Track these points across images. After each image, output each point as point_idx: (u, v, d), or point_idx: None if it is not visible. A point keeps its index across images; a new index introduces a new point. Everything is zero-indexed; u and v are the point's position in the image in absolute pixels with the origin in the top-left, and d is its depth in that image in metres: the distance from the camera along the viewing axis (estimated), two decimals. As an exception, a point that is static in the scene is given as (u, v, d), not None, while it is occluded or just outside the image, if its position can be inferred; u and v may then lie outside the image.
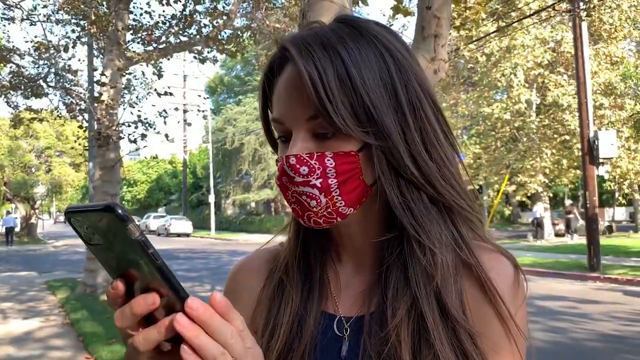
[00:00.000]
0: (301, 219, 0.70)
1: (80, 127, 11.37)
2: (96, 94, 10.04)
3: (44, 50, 11.04)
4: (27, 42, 11.03)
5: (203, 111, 15.79)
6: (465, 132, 27.75)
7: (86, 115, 11.05)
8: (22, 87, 11.66)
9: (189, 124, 19.98)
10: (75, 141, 12.39)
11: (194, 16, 10.41)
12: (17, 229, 33.84)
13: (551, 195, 26.06)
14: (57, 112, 12.00)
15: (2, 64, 12.13)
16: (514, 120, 21.83)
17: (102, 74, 10.16)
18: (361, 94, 0.64)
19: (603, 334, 6.87)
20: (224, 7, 10.83)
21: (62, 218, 69.41)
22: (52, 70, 11.50)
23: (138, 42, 10.99)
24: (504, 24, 13.88)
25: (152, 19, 10.85)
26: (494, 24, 14.04)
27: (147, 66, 11.41)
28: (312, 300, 0.75)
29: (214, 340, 0.50)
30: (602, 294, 10.05)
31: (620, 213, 36.23)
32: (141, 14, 15.03)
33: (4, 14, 11.41)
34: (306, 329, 0.72)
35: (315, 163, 0.66)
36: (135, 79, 11.91)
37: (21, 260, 19.18)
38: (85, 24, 10.17)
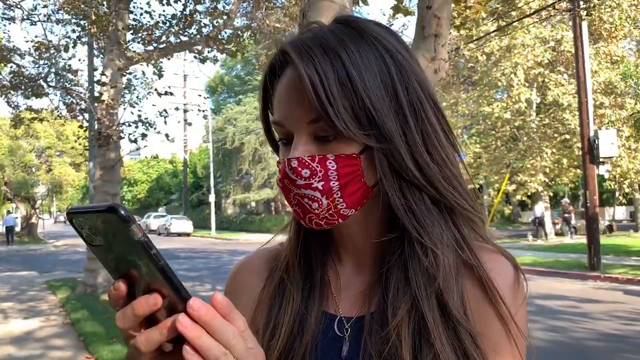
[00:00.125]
0: (303, 221, 0.70)
1: (81, 126, 11.37)
2: (96, 94, 10.04)
3: (44, 50, 11.04)
4: (27, 42, 11.04)
5: (203, 111, 15.81)
6: (466, 131, 27.74)
7: (86, 115, 11.05)
8: (23, 87, 11.67)
9: (190, 124, 19.95)
10: (76, 141, 12.39)
11: (194, 16, 10.41)
12: (18, 229, 33.87)
13: (551, 194, 26.05)
14: (58, 111, 12.01)
15: (2, 64, 12.13)
16: (514, 119, 21.83)
17: (103, 73, 10.16)
18: (362, 97, 0.64)
19: (603, 333, 6.87)
20: (224, 6, 10.84)
21: (62, 218, 69.43)
22: (53, 70, 11.50)
23: (138, 42, 11.00)
24: (504, 23, 13.89)
25: (152, 18, 10.85)
26: (494, 23, 14.04)
27: (148, 66, 11.41)
28: (312, 299, 0.75)
29: (216, 340, 0.50)
30: (602, 293, 10.05)
31: (621, 212, 36.21)
32: (141, 14, 15.03)
33: (4, 13, 11.43)
34: (307, 329, 0.72)
35: (317, 166, 0.66)
36: (136, 79, 11.94)
37: (21, 260, 19.19)
38: (86, 24, 10.18)
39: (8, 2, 11.15)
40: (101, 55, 11.35)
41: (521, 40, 19.51)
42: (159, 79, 11.36)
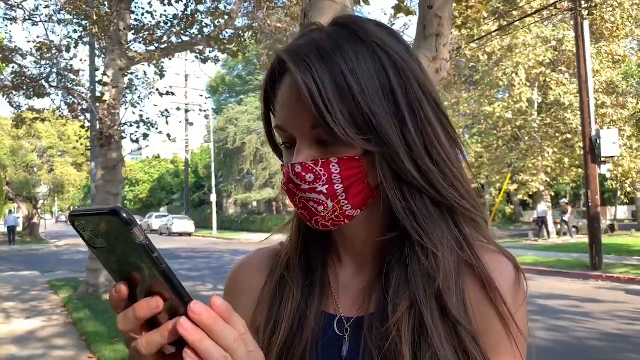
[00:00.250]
0: (309, 223, 0.71)
1: (83, 127, 11.39)
2: (98, 94, 10.05)
3: (46, 50, 11.06)
4: (29, 42, 11.06)
5: (205, 111, 15.84)
6: (467, 131, 27.72)
7: (88, 115, 11.06)
8: (25, 87, 11.68)
9: (191, 124, 19.98)
10: (78, 141, 12.40)
11: (196, 16, 10.42)
12: (20, 229, 33.91)
13: (553, 194, 26.02)
14: (59, 112, 12.03)
15: (4, 64, 12.16)
16: (516, 119, 21.81)
17: (104, 73, 10.16)
18: (359, 102, 0.64)
19: (605, 333, 6.86)
20: (225, 6, 10.84)
21: (64, 218, 69.47)
22: (54, 70, 11.52)
23: (140, 42, 11.02)
24: (505, 22, 13.87)
25: (153, 18, 10.86)
26: (495, 22, 14.03)
27: (149, 66, 11.43)
28: (312, 297, 0.75)
29: (217, 344, 0.51)
30: (604, 292, 10.03)
31: (622, 212, 36.18)
32: (143, 14, 15.08)
33: (6, 14, 11.49)
34: (307, 326, 0.73)
35: (320, 170, 0.67)
36: (137, 79, 11.96)
37: (24, 260, 19.21)
38: (87, 24, 10.19)
39: (10, 3, 11.17)
40: (103, 56, 11.35)
41: (523, 40, 19.50)
42: (161, 79, 11.38)
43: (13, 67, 11.81)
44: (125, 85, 10.92)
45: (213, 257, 19.38)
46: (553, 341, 6.48)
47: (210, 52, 11.38)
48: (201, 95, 28.52)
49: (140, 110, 11.40)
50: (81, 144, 11.75)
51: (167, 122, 14.44)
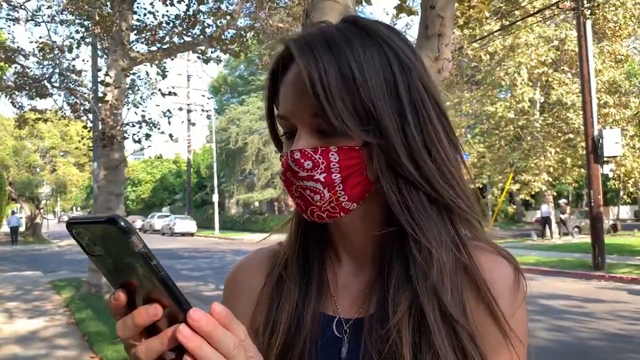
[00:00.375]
0: (305, 214, 0.71)
1: (85, 127, 11.40)
2: (100, 94, 10.06)
3: (48, 50, 11.07)
4: (31, 42, 11.09)
5: (207, 111, 15.83)
6: (469, 130, 27.69)
7: (90, 116, 11.08)
8: (27, 88, 11.70)
9: (193, 124, 20.03)
10: (80, 141, 12.42)
11: (198, 16, 10.42)
12: (22, 229, 33.96)
13: (555, 194, 25.98)
14: (62, 112, 12.05)
15: (7, 65, 12.18)
16: (518, 118, 21.78)
17: (106, 74, 10.17)
18: (362, 93, 0.65)
19: (607, 333, 6.85)
20: (227, 7, 10.85)
21: (66, 218, 69.39)
22: (57, 70, 11.53)
23: (142, 43, 11.02)
24: (507, 22, 13.84)
25: (155, 19, 10.87)
26: (497, 22, 14.01)
27: (151, 66, 11.44)
28: (310, 297, 0.75)
29: (217, 351, 0.51)
30: (606, 292, 10.02)
31: (625, 212, 36.14)
32: (145, 15, 15.02)
33: (8, 14, 11.48)
34: (304, 327, 0.73)
35: (319, 158, 0.67)
36: (140, 79, 11.97)
37: (26, 260, 19.25)
38: (89, 25, 10.20)
39: (12, 3, 11.19)
40: (105, 56, 11.37)
41: (525, 40, 19.46)
42: (163, 79, 11.40)
43: (16, 68, 11.83)
44: (127, 86, 10.93)
45: (215, 257, 19.40)
46: (555, 341, 6.47)
47: (212, 52, 11.39)
48: (203, 96, 28.59)
49: (143, 111, 11.45)
50: (83, 144, 11.76)
51: (169, 123, 14.47)
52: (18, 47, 11.72)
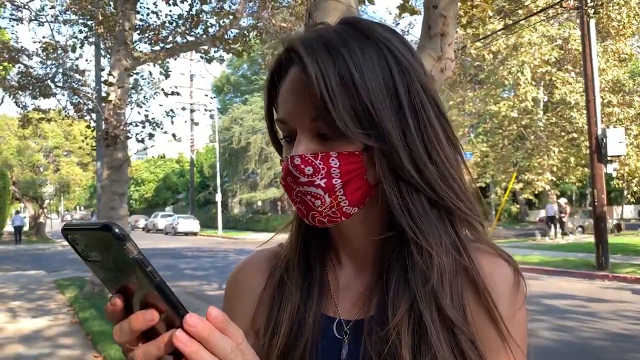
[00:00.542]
0: (306, 219, 0.70)
1: (88, 126, 11.42)
2: (104, 94, 10.08)
3: (51, 50, 11.09)
4: (35, 42, 11.07)
5: (210, 110, 15.82)
6: (473, 130, 27.66)
7: (94, 115, 11.09)
8: (31, 87, 11.72)
9: (196, 124, 20.04)
10: (83, 141, 12.45)
11: (201, 16, 10.42)
12: (26, 228, 34.07)
13: (558, 193, 25.93)
14: (65, 112, 12.05)
15: (10, 65, 12.21)
16: (521, 118, 21.76)
17: (110, 73, 10.18)
18: (362, 96, 0.64)
19: (611, 333, 6.84)
20: (230, 6, 10.85)
21: (69, 217, 69.70)
22: (60, 70, 11.55)
23: (145, 42, 11.02)
24: (510, 21, 13.82)
25: (159, 19, 10.87)
26: (500, 21, 13.98)
27: (154, 66, 11.44)
28: (311, 300, 0.75)
29: (214, 355, 0.51)
30: (610, 292, 10.00)
31: (629, 211, 36.03)
32: (148, 14, 15.12)
33: (12, 14, 11.50)
34: (306, 329, 0.73)
35: (319, 163, 0.67)
36: (143, 79, 11.95)
37: (30, 259, 19.31)
38: (93, 24, 10.21)
39: (16, 3, 11.22)
40: (108, 56, 11.38)
41: (528, 39, 19.44)
42: (166, 79, 11.39)
43: (19, 68, 11.85)
44: (130, 85, 10.93)
45: (218, 256, 19.42)
46: (559, 341, 6.46)
47: (215, 51, 11.38)
48: (206, 95, 28.54)
49: (146, 110, 11.46)
50: (87, 144, 11.78)
51: (172, 122, 14.44)
52: (22, 46, 11.75)
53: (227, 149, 38.79)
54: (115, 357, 5.91)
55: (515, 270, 0.70)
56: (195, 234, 35.12)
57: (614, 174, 14.56)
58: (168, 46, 10.94)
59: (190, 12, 10.35)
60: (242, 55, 11.20)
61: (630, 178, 21.47)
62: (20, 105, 12.85)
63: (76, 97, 11.55)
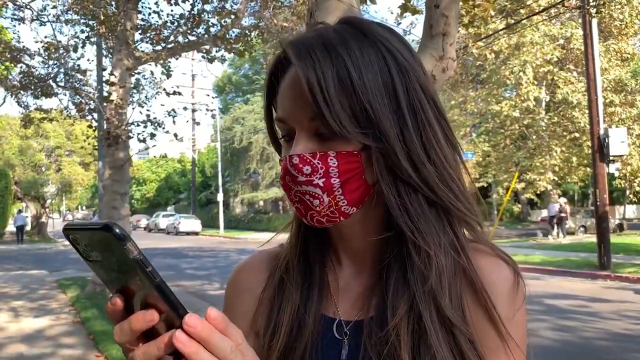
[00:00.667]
0: (304, 219, 0.70)
1: (90, 126, 11.44)
2: (105, 94, 10.08)
3: (53, 50, 11.10)
4: (36, 42, 11.08)
5: (211, 110, 15.86)
6: (474, 129, 27.65)
7: (95, 115, 11.11)
8: (32, 87, 11.74)
9: (198, 123, 19.99)
10: (85, 140, 12.46)
11: (202, 15, 10.42)
12: (28, 228, 34.13)
13: (560, 192, 25.90)
14: (67, 111, 12.07)
15: (12, 64, 12.22)
16: (523, 117, 21.74)
17: (111, 73, 10.19)
18: (360, 96, 0.64)
19: (613, 333, 6.83)
20: (232, 6, 10.85)
21: (71, 217, 69.81)
22: (62, 70, 11.56)
23: (147, 42, 11.03)
24: (512, 21, 13.80)
25: (160, 18, 10.89)
26: (502, 21, 13.96)
27: (156, 66, 11.45)
28: (311, 300, 0.75)
29: (214, 355, 0.50)
30: (612, 292, 9.98)
31: (631, 211, 35.97)
32: (150, 14, 15.13)
33: (14, 14, 11.52)
34: (306, 330, 0.73)
35: (318, 162, 0.66)
36: (144, 79, 11.97)
37: (32, 259, 19.34)
38: (94, 24, 10.22)
39: (18, 3, 11.23)
40: (110, 55, 11.39)
41: (530, 38, 19.42)
42: (167, 78, 11.40)
43: (21, 67, 11.87)
44: (132, 85, 10.94)
45: (220, 256, 19.44)
46: (560, 341, 6.45)
47: (216, 51, 11.39)
48: (208, 95, 28.51)
49: (147, 110, 11.45)
50: (88, 144, 11.80)
51: (174, 122, 14.48)
52: (23, 46, 11.75)
53: (228, 148, 38.82)
54: (116, 357, 5.92)
55: (514, 270, 0.70)
56: (196, 233, 35.16)
57: (616, 174, 14.53)
58: (170, 46, 10.95)
59: (192, 12, 10.36)
60: (244, 55, 11.20)
61: (632, 178, 21.46)
62: (22, 105, 12.88)
63: (78, 96, 11.56)
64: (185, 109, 12.01)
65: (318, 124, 0.67)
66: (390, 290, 0.68)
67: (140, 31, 10.71)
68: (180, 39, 10.89)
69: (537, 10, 15.15)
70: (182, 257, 19.06)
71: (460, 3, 3.88)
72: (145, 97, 11.75)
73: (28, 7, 11.35)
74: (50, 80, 11.62)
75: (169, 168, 53.98)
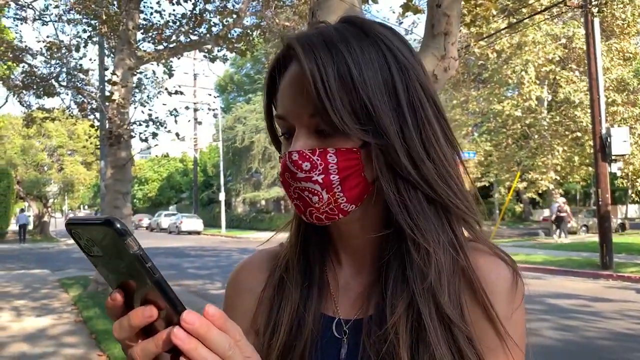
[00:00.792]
0: (303, 215, 0.71)
1: (92, 126, 11.46)
2: (107, 93, 10.10)
3: (55, 49, 11.12)
4: (39, 42, 11.13)
5: (213, 110, 15.89)
6: (476, 129, 27.63)
7: (98, 114, 11.12)
8: (35, 87, 11.76)
9: (200, 123, 20.00)
10: (87, 140, 12.48)
11: (204, 15, 10.44)
12: (30, 227, 34.18)
13: (562, 192, 25.88)
14: (69, 111, 12.10)
15: (14, 64, 12.25)
16: (525, 117, 21.72)
17: (113, 73, 10.21)
18: (360, 93, 0.65)
19: (615, 332, 6.82)
20: (233, 5, 10.86)
21: (72, 216, 69.61)
22: (64, 69, 11.58)
23: (149, 41, 11.05)
24: (514, 20, 13.79)
25: (162, 18, 10.89)
26: (504, 20, 13.95)
27: (158, 65, 11.47)
28: (311, 299, 0.75)
29: (213, 352, 0.50)
30: (614, 292, 9.97)
31: (633, 210, 35.92)
32: (151, 14, 15.09)
33: (16, 14, 11.55)
34: (305, 328, 0.73)
35: (317, 159, 0.67)
36: (146, 78, 11.98)
37: (34, 258, 19.38)
38: (97, 24, 10.24)
39: (20, 3, 11.25)
40: (112, 55, 11.40)
41: (532, 38, 19.39)
42: (169, 78, 11.43)
43: (23, 67, 11.89)
44: (134, 85, 10.96)
45: (222, 255, 19.45)
46: (562, 340, 6.45)
47: (218, 51, 11.40)
48: (210, 94, 28.53)
49: (149, 110, 11.45)
50: (91, 143, 11.82)
51: (175, 121, 14.50)
52: (26, 46, 11.78)
53: (230, 148, 38.85)
54: (118, 356, 5.93)
55: (513, 269, 0.70)
56: (198, 233, 35.18)
57: (618, 173, 14.51)
58: (171, 45, 10.96)
59: (194, 12, 10.37)
60: (246, 55, 11.21)
61: (634, 177, 21.42)
62: (25, 105, 12.90)
63: (80, 96, 11.59)
64: (187, 108, 12.04)
65: (318, 121, 0.67)
66: (389, 288, 0.69)
67: (142, 31, 10.73)
68: (182, 38, 10.91)
69: (539, 10, 15.12)
70: (184, 256, 19.08)
71: (462, 2, 3.87)
72: (147, 96, 11.79)
73: (30, 6, 11.37)
74: (53, 80, 11.65)
75: (170, 167, 54.03)
